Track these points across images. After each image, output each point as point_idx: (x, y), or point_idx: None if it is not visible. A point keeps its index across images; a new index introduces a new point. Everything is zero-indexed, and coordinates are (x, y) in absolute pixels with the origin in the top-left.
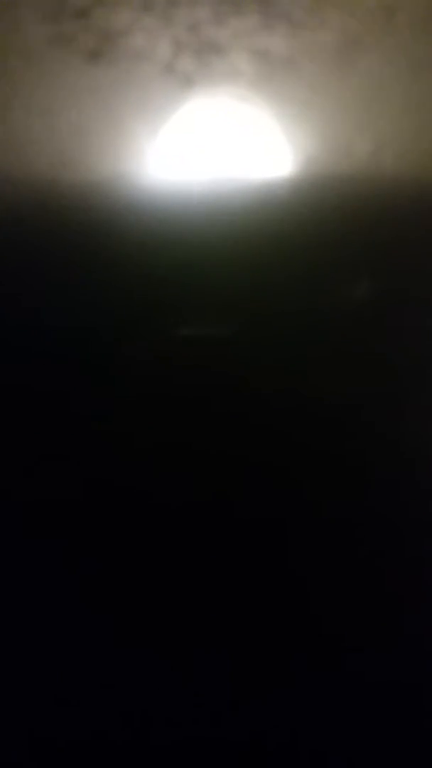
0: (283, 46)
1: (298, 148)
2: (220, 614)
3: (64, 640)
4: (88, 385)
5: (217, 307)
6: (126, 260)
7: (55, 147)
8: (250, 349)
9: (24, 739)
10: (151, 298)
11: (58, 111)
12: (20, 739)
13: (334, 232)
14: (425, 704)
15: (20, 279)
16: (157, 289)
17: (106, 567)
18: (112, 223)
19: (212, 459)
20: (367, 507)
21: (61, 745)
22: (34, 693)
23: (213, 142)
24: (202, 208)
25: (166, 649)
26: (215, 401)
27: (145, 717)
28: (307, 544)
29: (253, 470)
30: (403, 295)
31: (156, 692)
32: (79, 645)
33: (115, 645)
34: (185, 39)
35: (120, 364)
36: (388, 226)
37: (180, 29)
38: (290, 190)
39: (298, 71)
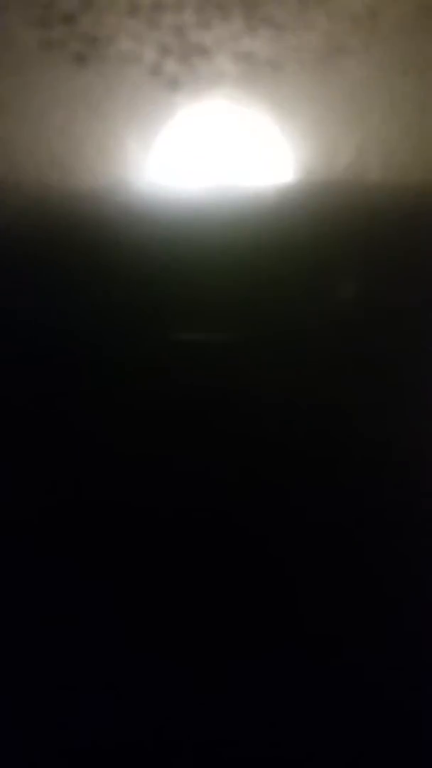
0: (267, 49)
1: (283, 150)
2: (220, 626)
3: (65, 653)
4: (86, 391)
5: (209, 312)
6: (117, 263)
7: (44, 150)
8: (248, 355)
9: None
10: (142, 303)
11: (47, 114)
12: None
13: (320, 235)
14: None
15: (15, 283)
16: (147, 294)
17: (104, 576)
18: (103, 226)
19: (210, 465)
20: (363, 511)
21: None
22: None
23: (200, 144)
24: (191, 209)
25: (166, 662)
26: (212, 406)
27: (143, 730)
28: (307, 554)
29: (250, 476)
30: (396, 298)
31: (155, 705)
32: (79, 657)
33: (116, 656)
34: (171, 42)
35: (117, 369)
36: (373, 228)
37: (166, 33)
38: (276, 192)
39: (283, 74)
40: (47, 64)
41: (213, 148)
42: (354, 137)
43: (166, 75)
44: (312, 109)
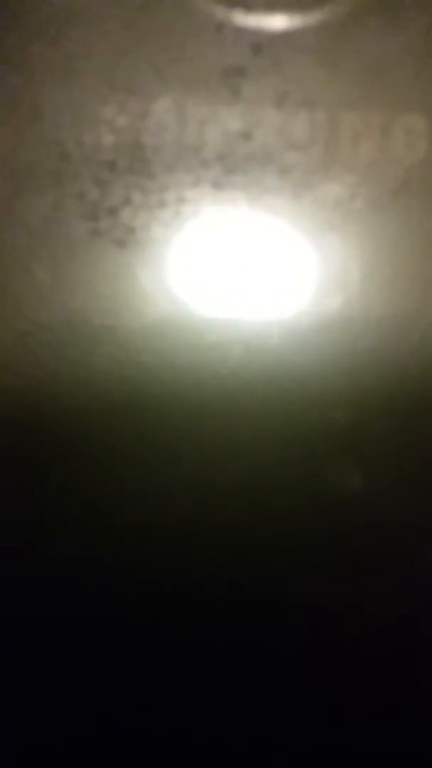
0: (267, 227)
1: (280, 295)
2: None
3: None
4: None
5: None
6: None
7: (94, 317)
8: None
9: None
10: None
11: (95, 287)
12: None
13: (317, 365)
14: None
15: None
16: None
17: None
18: (138, 367)
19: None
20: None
21: None
22: None
23: (215, 298)
24: (203, 349)
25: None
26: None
27: None
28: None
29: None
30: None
31: None
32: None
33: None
34: (192, 228)
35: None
36: (358, 355)
37: (188, 221)
38: (276, 329)
39: (280, 245)
40: (95, 248)
41: (225, 299)
42: (338, 289)
43: (190, 254)
44: (302, 267)
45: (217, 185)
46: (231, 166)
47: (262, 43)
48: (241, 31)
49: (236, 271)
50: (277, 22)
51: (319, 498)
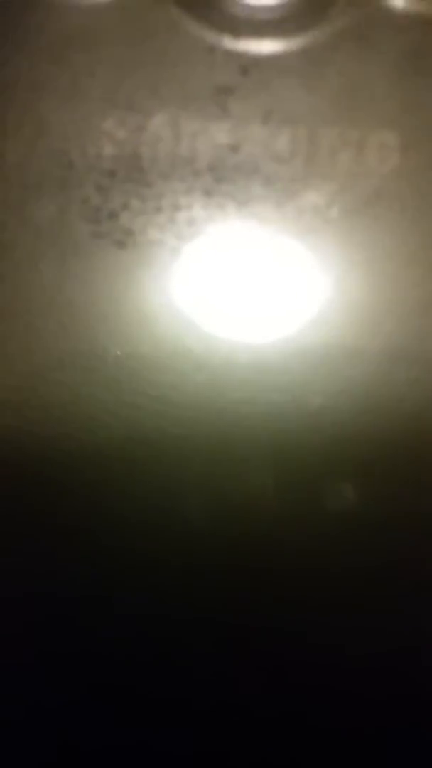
0: (253, 234)
1: (276, 309)
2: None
3: None
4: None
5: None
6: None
7: (92, 313)
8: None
9: None
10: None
11: (96, 287)
12: None
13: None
14: None
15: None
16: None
17: None
18: (149, 372)
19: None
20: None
21: None
22: None
23: (212, 306)
24: (203, 364)
25: None
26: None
27: None
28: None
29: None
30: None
31: None
32: None
33: None
34: (185, 232)
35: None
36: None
37: (181, 225)
38: (273, 349)
39: (268, 250)
40: (95, 249)
41: (222, 310)
42: (316, 289)
43: (184, 254)
44: (284, 268)
45: (207, 193)
46: (220, 176)
47: (250, 65)
48: (230, 54)
49: (225, 271)
50: (264, 46)
51: (321, 521)
